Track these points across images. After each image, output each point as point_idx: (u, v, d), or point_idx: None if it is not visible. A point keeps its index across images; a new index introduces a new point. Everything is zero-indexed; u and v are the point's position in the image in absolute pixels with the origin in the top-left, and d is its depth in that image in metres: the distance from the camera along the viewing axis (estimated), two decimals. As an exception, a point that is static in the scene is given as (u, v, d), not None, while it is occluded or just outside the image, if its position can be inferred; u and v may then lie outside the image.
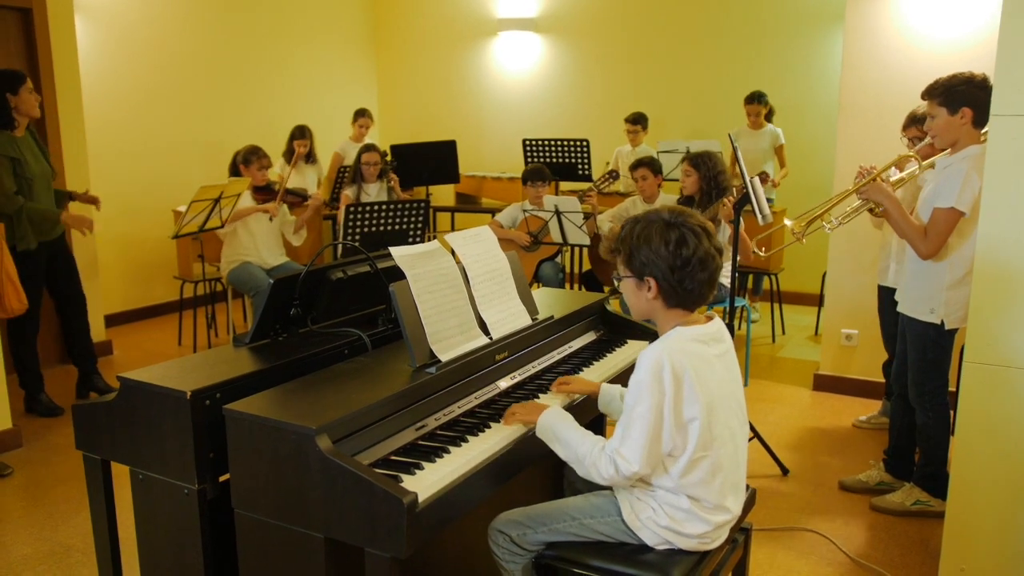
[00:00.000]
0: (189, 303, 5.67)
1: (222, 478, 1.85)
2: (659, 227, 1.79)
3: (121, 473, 2.01)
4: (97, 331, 5.36)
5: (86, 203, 4.54)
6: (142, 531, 1.99)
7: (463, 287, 2.17)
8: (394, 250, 2.02)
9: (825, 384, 4.61)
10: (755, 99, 6.02)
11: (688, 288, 1.78)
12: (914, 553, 2.93)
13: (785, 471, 3.57)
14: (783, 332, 5.85)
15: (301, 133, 6.20)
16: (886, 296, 3.68)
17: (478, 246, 2.31)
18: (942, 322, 2.99)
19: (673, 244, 1.76)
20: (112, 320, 5.87)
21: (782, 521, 3.15)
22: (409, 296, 1.99)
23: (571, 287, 5.61)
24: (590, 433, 1.86)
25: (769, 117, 6.14)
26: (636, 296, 1.85)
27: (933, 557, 2.85)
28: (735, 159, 3.43)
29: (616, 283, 1.92)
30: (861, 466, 3.58)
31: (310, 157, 6.18)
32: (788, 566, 2.85)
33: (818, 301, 5.78)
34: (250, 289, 4.97)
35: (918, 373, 3.10)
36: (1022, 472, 2.45)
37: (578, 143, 6.35)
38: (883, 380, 4.09)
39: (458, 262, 2.21)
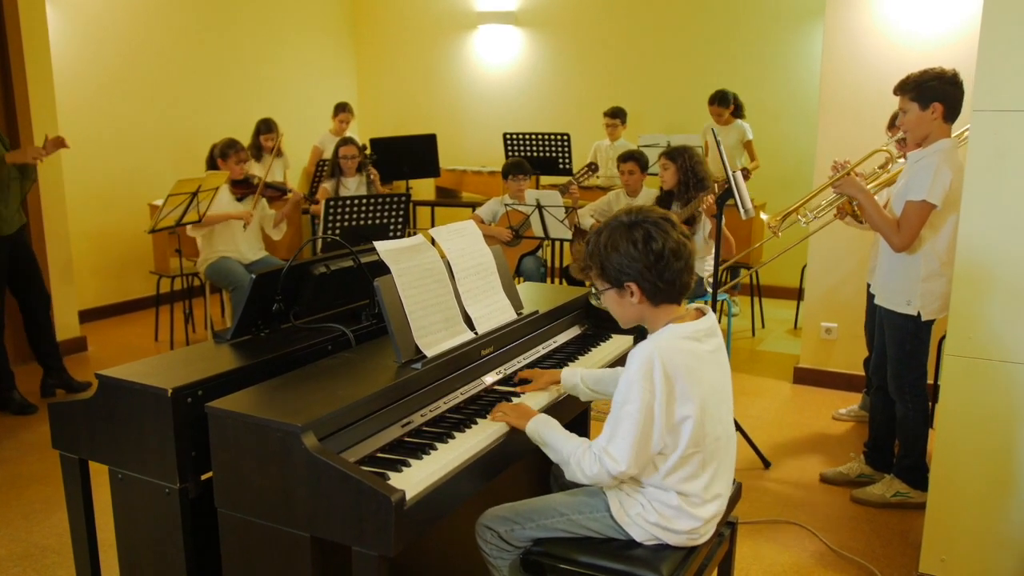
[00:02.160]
0: (166, 298, 5.59)
1: (204, 476, 1.82)
2: (622, 231, 1.77)
3: (98, 472, 1.98)
4: (71, 327, 5.28)
5: (54, 151, 4.27)
6: (122, 532, 1.95)
7: (448, 282, 2.15)
8: (379, 244, 2.00)
9: (805, 377, 4.65)
10: (715, 101, 6.11)
11: (668, 280, 1.77)
12: (895, 544, 2.95)
13: (767, 464, 3.59)
14: (763, 326, 5.89)
15: (267, 127, 6.13)
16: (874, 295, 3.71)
17: (462, 240, 2.29)
18: (919, 313, 3.03)
19: (641, 243, 1.75)
20: (86, 316, 5.77)
21: (765, 514, 3.17)
22: (394, 291, 1.97)
23: (552, 281, 5.60)
24: (574, 435, 1.86)
25: (738, 113, 6.20)
26: (620, 305, 1.84)
27: (913, 548, 2.88)
28: (719, 153, 3.43)
29: (597, 299, 1.91)
30: (842, 458, 3.61)
31: (274, 151, 6.12)
32: (772, 559, 2.86)
33: (797, 295, 5.83)
34: (228, 284, 4.91)
35: (897, 365, 3.13)
36: (1002, 463, 2.48)
37: (559, 137, 6.33)
38: (863, 374, 4.13)
39: (442, 256, 2.18)
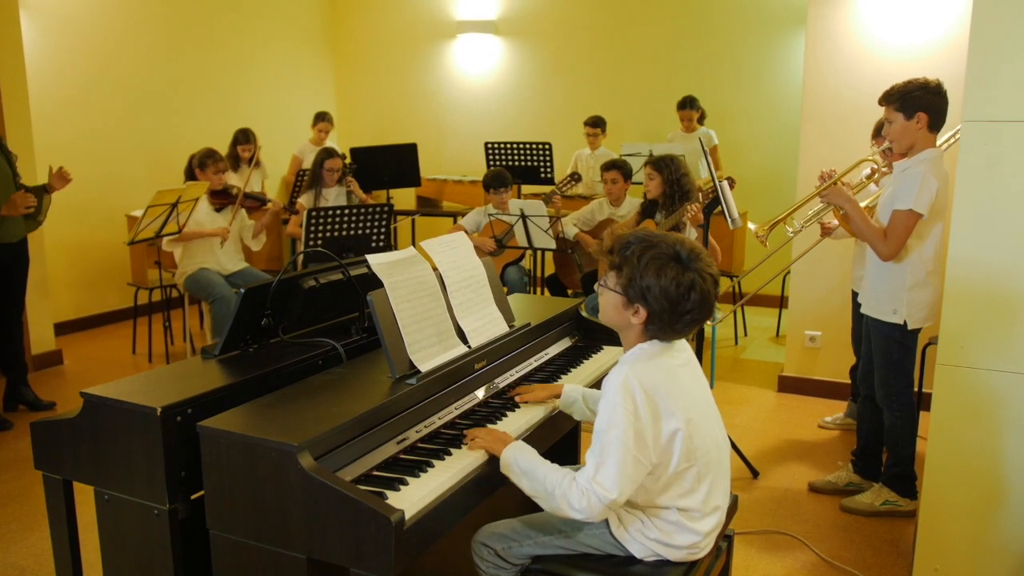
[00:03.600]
0: (143, 310, 5.50)
1: (193, 496, 1.77)
2: (674, 265, 1.70)
3: (80, 491, 1.92)
4: (47, 340, 5.17)
5: (61, 183, 4.29)
6: (108, 554, 1.89)
7: (441, 295, 2.12)
8: (371, 258, 1.97)
9: (790, 385, 4.66)
10: (687, 104, 6.18)
11: (677, 329, 1.75)
12: (885, 553, 2.96)
13: (755, 473, 3.59)
14: (745, 334, 5.91)
15: (245, 137, 6.07)
16: (858, 303, 3.73)
17: (454, 252, 2.27)
18: (905, 322, 3.04)
19: (684, 288, 1.69)
20: (62, 328, 5.65)
21: (755, 524, 3.16)
22: (387, 305, 1.94)
23: (535, 291, 5.58)
24: (556, 465, 1.78)
25: (702, 120, 6.29)
26: (617, 312, 1.78)
27: (904, 557, 2.89)
28: (707, 163, 3.44)
29: (597, 288, 1.87)
30: (829, 467, 3.62)
31: (252, 160, 6.05)
32: (764, 570, 2.85)
33: (779, 303, 5.85)
34: (208, 296, 4.84)
35: (884, 374, 3.14)
36: (994, 473, 2.49)
37: (540, 146, 6.32)
38: (848, 381, 4.14)
39: (434, 269, 2.16)
